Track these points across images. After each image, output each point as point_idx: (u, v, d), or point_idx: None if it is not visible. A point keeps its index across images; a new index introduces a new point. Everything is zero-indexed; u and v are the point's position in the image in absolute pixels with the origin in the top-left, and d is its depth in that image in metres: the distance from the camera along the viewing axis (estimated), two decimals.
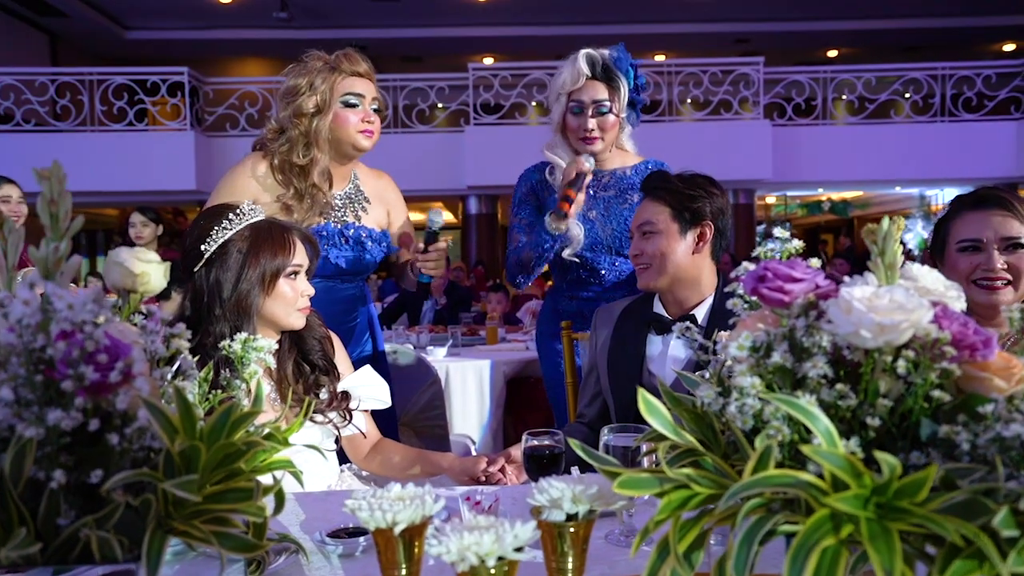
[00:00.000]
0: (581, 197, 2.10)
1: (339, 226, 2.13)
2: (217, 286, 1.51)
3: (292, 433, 0.81)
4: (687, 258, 1.74)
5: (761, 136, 10.48)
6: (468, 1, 12.16)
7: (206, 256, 1.52)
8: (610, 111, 2.25)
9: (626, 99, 2.27)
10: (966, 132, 10.74)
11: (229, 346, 0.89)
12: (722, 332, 1.06)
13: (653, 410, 0.71)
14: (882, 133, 10.96)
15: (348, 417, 1.64)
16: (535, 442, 1.19)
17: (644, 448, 1.10)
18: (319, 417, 1.61)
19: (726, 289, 0.81)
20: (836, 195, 15.30)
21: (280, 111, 2.10)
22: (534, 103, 11.11)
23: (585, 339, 2.11)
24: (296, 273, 1.58)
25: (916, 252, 11.47)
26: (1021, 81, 10.81)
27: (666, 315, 1.79)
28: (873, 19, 13.03)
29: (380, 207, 2.26)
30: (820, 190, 14.49)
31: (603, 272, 2.30)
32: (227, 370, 0.90)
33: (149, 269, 0.76)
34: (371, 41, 13.86)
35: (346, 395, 1.65)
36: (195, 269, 1.54)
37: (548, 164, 2.37)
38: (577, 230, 2.24)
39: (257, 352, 0.90)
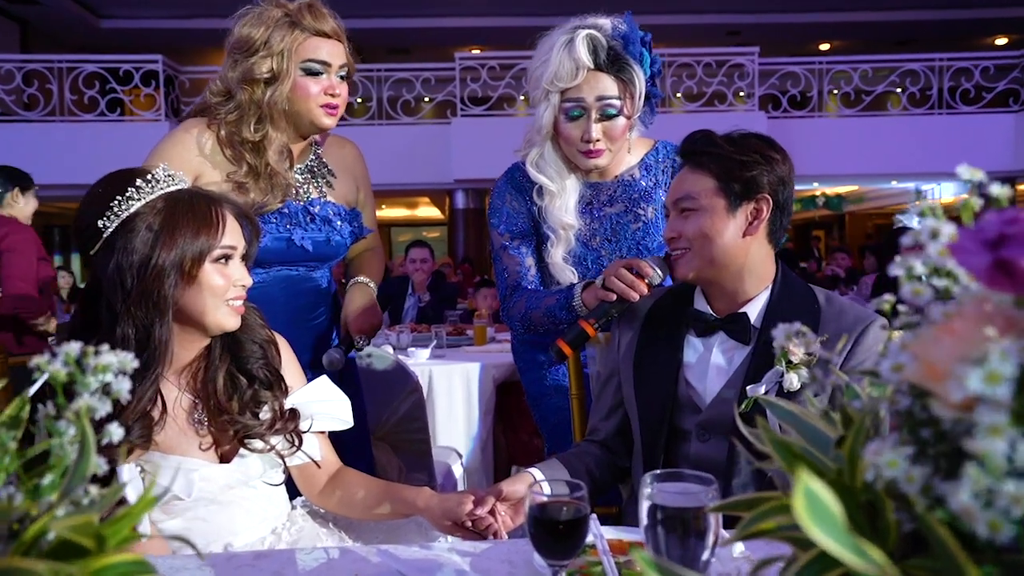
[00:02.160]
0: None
1: (302, 203, 1.77)
2: (118, 274, 1.15)
3: (130, 523, 0.46)
4: (736, 241, 1.35)
5: (755, 129, 10.05)
6: None
7: (105, 235, 1.16)
8: (620, 113, 1.71)
9: (643, 95, 1.72)
10: (963, 125, 10.53)
11: (47, 364, 0.54)
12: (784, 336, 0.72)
13: (821, 513, 0.36)
14: (878, 126, 10.72)
15: (296, 442, 1.29)
16: (545, 498, 0.82)
17: (713, 521, 0.76)
18: (258, 444, 1.25)
19: (891, 269, 0.47)
20: (830, 190, 15.04)
21: (227, 69, 1.72)
22: (522, 95, 10.75)
23: (597, 343, 1.74)
24: (228, 257, 1.22)
25: None
26: (1019, 73, 10.60)
27: (710, 312, 1.41)
28: (865, 11, 12.81)
29: (348, 181, 1.90)
30: (815, 184, 14.22)
31: None
32: (49, 403, 0.55)
33: None
34: (355, 31, 13.29)
35: (293, 414, 1.29)
36: (91, 252, 1.18)
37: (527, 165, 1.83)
38: (570, 275, 1.80)
39: (100, 374, 0.55)
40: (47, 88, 9.77)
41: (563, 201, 1.79)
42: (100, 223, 1.16)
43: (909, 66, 10.62)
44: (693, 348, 1.42)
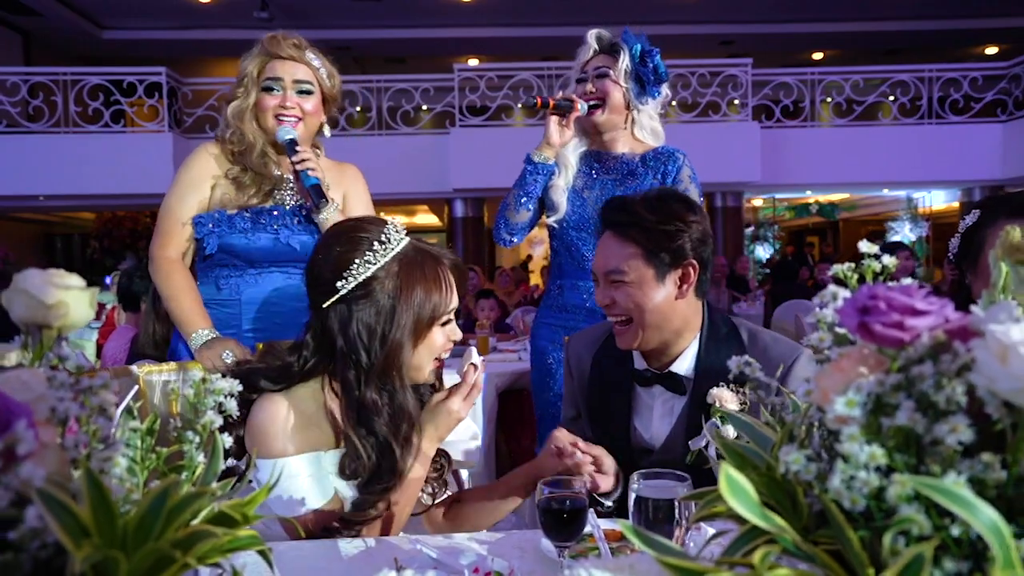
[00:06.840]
0: (568, 134, 2.24)
1: (295, 204, 2.00)
2: (359, 338, 1.22)
3: (255, 505, 0.63)
4: (670, 306, 1.41)
5: (749, 138, 10.37)
6: (453, 1, 11.99)
7: (341, 293, 1.24)
8: (608, 75, 2.30)
9: (624, 66, 2.28)
10: (952, 134, 10.71)
11: (178, 389, 0.72)
12: (715, 391, 0.90)
13: (737, 490, 0.54)
14: (869, 135, 10.91)
15: (444, 481, 1.39)
16: (552, 491, 1.01)
17: (687, 510, 0.94)
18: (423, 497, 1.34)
19: (807, 319, 0.65)
20: (823, 197, 15.25)
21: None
22: (520, 104, 10.93)
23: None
24: (450, 321, 1.31)
25: None
26: (1007, 83, 10.79)
27: (648, 368, 1.51)
28: (856, 21, 13.00)
29: (336, 192, 2.08)
30: (808, 192, 14.44)
31: (587, 256, 2.26)
32: (176, 419, 0.72)
33: (67, 298, 0.58)
34: (354, 42, 13.63)
35: (447, 459, 1.38)
36: (324, 305, 1.26)
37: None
38: (560, 196, 2.31)
39: (216, 396, 0.72)
40: (52, 100, 9.92)
41: (570, 149, 2.38)
42: (339, 284, 1.24)
43: (899, 77, 10.81)
44: (639, 397, 1.52)
